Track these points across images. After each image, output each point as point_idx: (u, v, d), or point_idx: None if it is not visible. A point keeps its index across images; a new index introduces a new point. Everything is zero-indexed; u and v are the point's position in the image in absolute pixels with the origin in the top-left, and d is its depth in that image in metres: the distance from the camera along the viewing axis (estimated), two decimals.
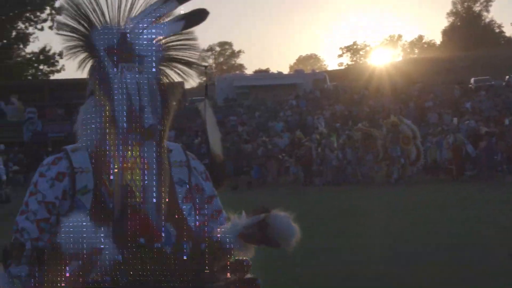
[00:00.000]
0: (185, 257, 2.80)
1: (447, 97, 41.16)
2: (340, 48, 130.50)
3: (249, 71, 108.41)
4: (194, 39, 3.18)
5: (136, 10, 3.07)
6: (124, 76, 2.96)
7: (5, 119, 42.08)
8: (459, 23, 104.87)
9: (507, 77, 47.25)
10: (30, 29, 62.00)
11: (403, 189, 24.10)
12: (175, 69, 3.16)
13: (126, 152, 2.91)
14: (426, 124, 33.58)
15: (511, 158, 27.41)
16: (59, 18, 3.13)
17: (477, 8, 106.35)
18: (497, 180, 25.03)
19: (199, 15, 3.17)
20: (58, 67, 63.41)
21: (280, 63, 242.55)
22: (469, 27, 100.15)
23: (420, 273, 9.53)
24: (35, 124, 40.46)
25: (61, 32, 3.07)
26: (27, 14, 61.18)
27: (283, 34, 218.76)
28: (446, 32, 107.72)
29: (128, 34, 3.04)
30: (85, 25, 3.04)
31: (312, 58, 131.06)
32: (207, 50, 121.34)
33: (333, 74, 70.71)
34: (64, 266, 2.66)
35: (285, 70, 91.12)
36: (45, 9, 60.02)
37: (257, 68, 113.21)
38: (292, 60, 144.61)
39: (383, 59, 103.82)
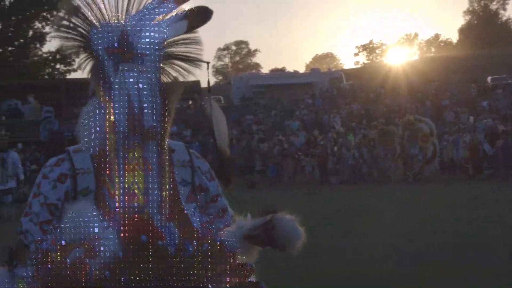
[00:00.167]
0: (188, 258, 2.80)
1: (464, 96, 40.94)
2: (357, 46, 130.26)
3: (265, 70, 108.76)
4: (195, 31, 3.15)
5: (134, 9, 3.04)
6: (124, 77, 2.95)
7: (22, 119, 42.33)
8: (475, 22, 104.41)
9: None
10: (47, 29, 62.33)
11: (418, 187, 24.04)
12: (176, 67, 3.14)
13: (127, 153, 2.90)
14: (442, 123, 33.40)
15: None
16: (57, 17, 3.11)
17: (494, 6, 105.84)
18: None
19: (203, 15, 3.15)
20: (75, 66, 63.73)
21: (296, 62, 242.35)
22: (486, 25, 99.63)
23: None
24: (52, 123, 40.65)
25: (59, 32, 3.06)
26: (44, 14, 61.51)
27: (299, 33, 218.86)
28: (462, 31, 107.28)
29: (128, 33, 3.02)
30: (85, 24, 3.03)
31: (328, 56, 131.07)
32: (223, 49, 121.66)
33: (349, 73, 70.61)
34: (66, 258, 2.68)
35: (301, 69, 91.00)
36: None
37: (273, 67, 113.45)
38: (308, 59, 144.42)
39: (400, 58, 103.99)
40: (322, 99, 46.19)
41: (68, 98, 45.16)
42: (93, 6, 3.03)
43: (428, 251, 11.14)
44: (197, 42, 3.15)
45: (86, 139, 3.02)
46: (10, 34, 61.40)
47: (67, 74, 64.87)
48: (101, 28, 3.03)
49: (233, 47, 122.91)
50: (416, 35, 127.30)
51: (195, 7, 3.12)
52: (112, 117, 2.92)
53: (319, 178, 29.05)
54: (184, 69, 3.15)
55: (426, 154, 27.14)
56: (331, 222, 15.24)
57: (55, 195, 2.94)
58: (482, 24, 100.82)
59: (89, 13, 3.03)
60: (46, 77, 63.61)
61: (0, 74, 52.56)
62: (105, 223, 2.73)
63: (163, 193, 2.91)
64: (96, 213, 2.74)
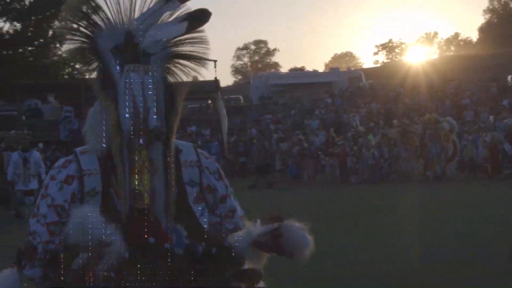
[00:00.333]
0: (196, 260, 2.79)
1: (484, 95, 40.73)
2: (376, 45, 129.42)
3: (284, 69, 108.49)
4: (200, 31, 3.13)
5: (139, 9, 3.03)
6: (129, 78, 2.94)
7: (42, 118, 42.53)
8: (495, 20, 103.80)
9: None
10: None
11: (437, 187, 23.85)
12: (181, 67, 3.12)
13: (133, 154, 2.90)
14: (462, 122, 33.21)
15: None
16: (62, 18, 3.10)
17: None
18: None
19: (201, 16, 3.12)
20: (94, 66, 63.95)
21: (315, 61, 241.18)
22: (506, 24, 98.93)
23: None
24: (71, 122, 40.77)
25: (64, 35, 3.06)
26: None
27: (318, 32, 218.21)
28: (482, 29, 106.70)
29: (133, 33, 3.01)
30: (89, 26, 3.02)
31: (347, 56, 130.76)
32: (242, 49, 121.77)
33: (369, 72, 70.63)
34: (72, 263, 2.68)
35: (321, 68, 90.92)
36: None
37: (292, 66, 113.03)
38: (328, 58, 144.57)
39: (419, 57, 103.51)
40: (342, 98, 46.19)
41: (88, 97, 45.31)
42: (97, 7, 3.02)
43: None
44: (203, 41, 3.12)
45: (93, 140, 3.02)
46: (30, 34, 61.71)
47: (87, 73, 65.09)
48: (106, 29, 3.02)
49: (252, 47, 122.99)
50: (435, 33, 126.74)
51: (194, 10, 3.10)
52: (117, 118, 2.92)
53: (339, 178, 28.96)
54: (190, 68, 3.13)
55: (447, 152, 27.00)
56: (350, 221, 15.25)
57: (62, 196, 2.95)
58: (502, 23, 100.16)
59: (94, 15, 3.02)
60: (65, 76, 63.83)
61: (20, 74, 52.78)
62: (112, 224, 2.72)
63: (170, 194, 2.91)
64: (102, 214, 2.72)
